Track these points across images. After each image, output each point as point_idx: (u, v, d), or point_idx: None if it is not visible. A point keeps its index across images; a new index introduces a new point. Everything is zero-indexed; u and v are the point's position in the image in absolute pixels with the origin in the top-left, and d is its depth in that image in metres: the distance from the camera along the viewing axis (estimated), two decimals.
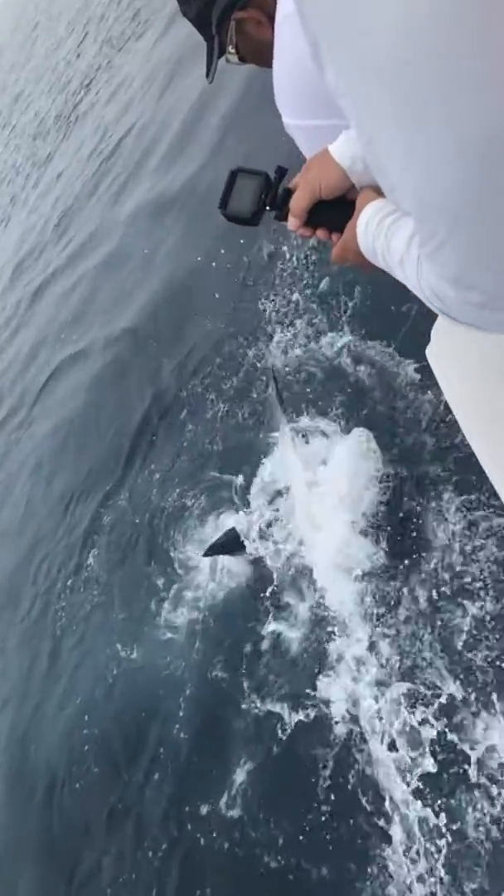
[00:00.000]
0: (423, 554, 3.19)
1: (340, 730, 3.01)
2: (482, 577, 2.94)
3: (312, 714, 3.14)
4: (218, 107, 8.06)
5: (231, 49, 1.92)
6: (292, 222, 1.64)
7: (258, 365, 4.96)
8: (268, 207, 1.65)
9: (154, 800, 3.60)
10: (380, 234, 1.36)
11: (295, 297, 4.90)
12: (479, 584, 2.95)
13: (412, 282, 1.25)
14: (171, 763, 3.65)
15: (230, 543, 3.84)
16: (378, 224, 1.37)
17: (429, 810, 2.61)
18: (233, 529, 3.86)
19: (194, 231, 6.91)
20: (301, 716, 3.18)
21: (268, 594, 3.69)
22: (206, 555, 3.95)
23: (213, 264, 6.04)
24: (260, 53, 1.87)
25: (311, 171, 1.59)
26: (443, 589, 3.05)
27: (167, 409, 5.64)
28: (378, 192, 1.42)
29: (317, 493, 3.58)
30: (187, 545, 4.44)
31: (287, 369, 4.48)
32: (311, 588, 3.57)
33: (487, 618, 2.86)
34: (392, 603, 3.18)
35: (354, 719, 2.99)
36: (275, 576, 3.73)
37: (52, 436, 7.27)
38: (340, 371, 4.26)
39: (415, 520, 3.28)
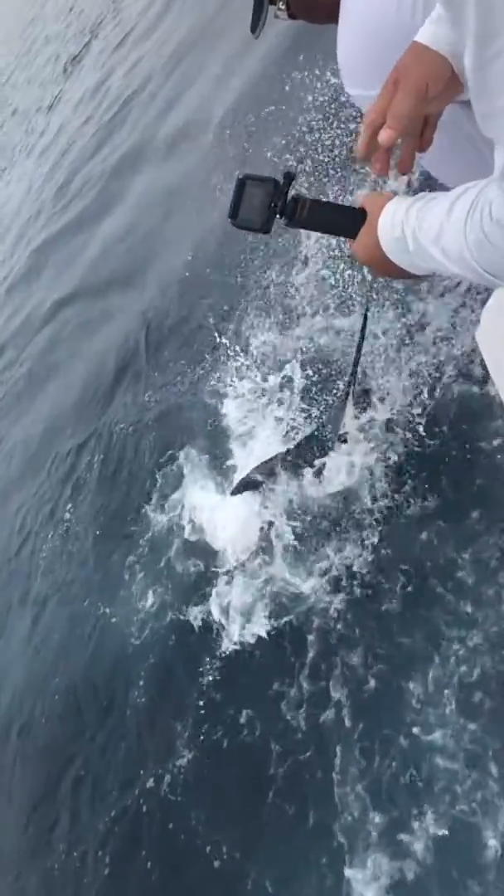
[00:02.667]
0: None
1: (301, 712, 2.98)
2: None
3: (275, 693, 3.10)
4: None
5: (281, 3, 1.86)
6: (388, 137, 1.42)
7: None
8: (278, 215, 1.63)
9: (110, 761, 3.66)
10: (409, 221, 1.36)
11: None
12: None
13: (455, 249, 1.25)
14: (132, 725, 3.68)
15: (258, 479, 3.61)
16: (406, 212, 1.38)
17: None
18: (268, 462, 3.56)
19: None
20: (262, 696, 3.15)
21: (244, 562, 3.65)
22: (234, 493, 3.71)
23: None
24: (311, 9, 1.82)
25: (410, 72, 1.42)
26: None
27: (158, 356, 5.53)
28: (382, 197, 1.42)
29: None
30: (167, 504, 4.40)
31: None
32: (283, 559, 3.50)
33: None
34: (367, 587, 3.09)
35: (316, 698, 2.96)
36: (251, 543, 3.67)
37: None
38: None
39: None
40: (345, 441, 3.19)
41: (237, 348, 4.47)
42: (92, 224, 8.62)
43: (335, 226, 1.64)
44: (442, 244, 1.29)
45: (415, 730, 2.55)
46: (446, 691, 2.54)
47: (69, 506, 5.41)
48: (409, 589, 2.86)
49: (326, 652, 3.01)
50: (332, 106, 4.83)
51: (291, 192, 1.62)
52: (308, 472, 3.39)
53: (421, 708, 2.57)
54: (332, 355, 3.83)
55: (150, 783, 3.35)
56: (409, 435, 3.17)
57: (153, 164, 7.99)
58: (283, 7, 1.86)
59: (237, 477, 3.81)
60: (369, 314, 2.95)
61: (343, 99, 4.69)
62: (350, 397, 3.09)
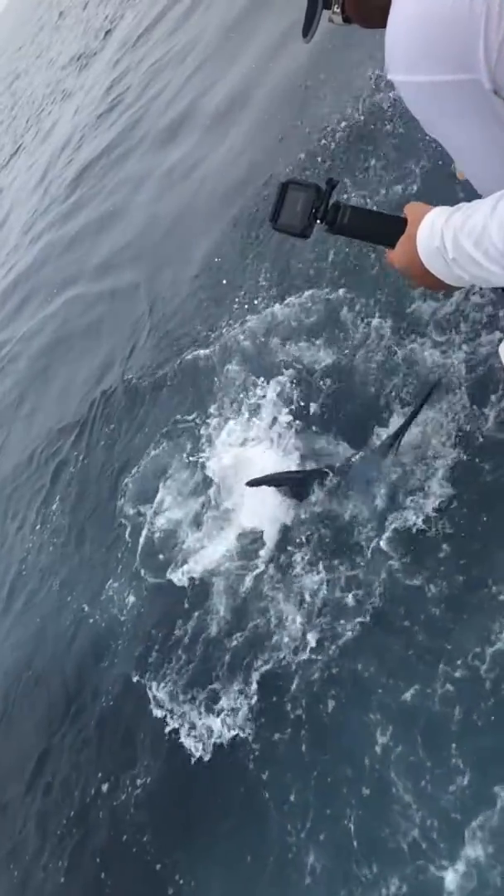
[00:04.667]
0: None
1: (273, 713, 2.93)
2: None
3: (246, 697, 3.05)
4: None
5: (336, 7, 1.82)
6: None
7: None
8: (318, 221, 1.63)
9: (77, 759, 3.63)
10: (449, 228, 1.38)
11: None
12: None
13: (499, 248, 1.30)
14: (98, 727, 3.65)
15: (281, 480, 3.55)
16: (447, 221, 1.39)
17: None
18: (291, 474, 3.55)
19: None
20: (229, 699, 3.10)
21: (227, 569, 3.59)
22: (249, 484, 3.58)
23: None
24: (366, 12, 1.78)
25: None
26: None
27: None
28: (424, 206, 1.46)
29: None
30: (152, 506, 4.33)
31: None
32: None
33: None
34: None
35: (277, 713, 2.90)
36: (234, 551, 3.62)
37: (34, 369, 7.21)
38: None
39: None
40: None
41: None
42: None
43: (375, 233, 1.62)
44: (485, 246, 1.32)
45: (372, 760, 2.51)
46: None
47: (55, 499, 5.38)
48: (369, 618, 2.84)
49: (293, 666, 2.95)
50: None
51: (333, 199, 1.62)
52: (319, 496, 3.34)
53: (378, 735, 2.53)
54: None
55: (112, 792, 3.32)
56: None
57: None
58: (337, 11, 1.82)
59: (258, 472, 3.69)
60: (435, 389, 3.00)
61: None
62: (394, 450, 3.05)
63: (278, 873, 2.51)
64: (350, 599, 2.92)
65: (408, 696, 2.53)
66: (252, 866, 2.60)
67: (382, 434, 3.30)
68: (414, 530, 2.88)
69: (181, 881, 2.77)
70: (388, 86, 4.73)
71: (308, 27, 1.87)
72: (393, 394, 3.45)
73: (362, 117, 5.02)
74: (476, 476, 2.85)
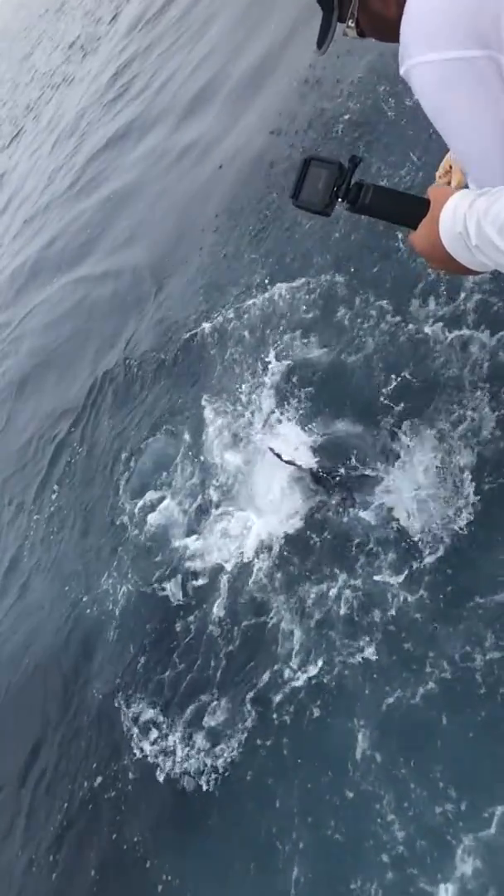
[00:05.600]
0: None
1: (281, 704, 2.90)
2: None
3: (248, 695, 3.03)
4: None
5: (351, 22, 1.82)
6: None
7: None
8: (340, 199, 1.59)
9: (70, 752, 3.64)
10: (472, 214, 1.36)
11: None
12: None
13: None
14: (92, 718, 3.66)
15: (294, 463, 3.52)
16: (470, 206, 1.37)
17: None
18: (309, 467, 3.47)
19: None
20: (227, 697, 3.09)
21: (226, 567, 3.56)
22: (272, 450, 3.58)
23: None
24: (382, 26, 1.79)
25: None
26: None
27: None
28: (448, 189, 1.44)
29: None
30: (153, 492, 4.33)
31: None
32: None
33: None
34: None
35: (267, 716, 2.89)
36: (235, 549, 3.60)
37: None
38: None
39: None
40: None
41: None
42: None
43: (397, 214, 1.57)
44: None
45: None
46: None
47: (54, 485, 5.37)
48: (361, 628, 2.82)
49: (284, 670, 2.95)
50: None
51: (356, 177, 1.58)
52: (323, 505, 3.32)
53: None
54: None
55: (103, 786, 3.33)
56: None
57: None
58: (352, 25, 1.83)
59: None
60: None
61: None
62: None
63: (262, 878, 2.52)
64: (345, 609, 2.91)
65: (394, 704, 2.53)
66: (236, 869, 2.60)
67: (386, 416, 3.23)
68: (415, 542, 2.85)
69: (168, 878, 2.78)
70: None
71: (322, 39, 1.87)
72: (395, 379, 3.39)
73: (382, 92, 4.88)
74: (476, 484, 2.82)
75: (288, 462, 3.41)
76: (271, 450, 3.53)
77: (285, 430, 3.73)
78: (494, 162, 1.61)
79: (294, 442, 3.60)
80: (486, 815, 2.18)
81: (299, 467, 3.41)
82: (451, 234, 1.42)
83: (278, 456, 3.45)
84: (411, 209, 1.53)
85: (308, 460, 3.45)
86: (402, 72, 1.68)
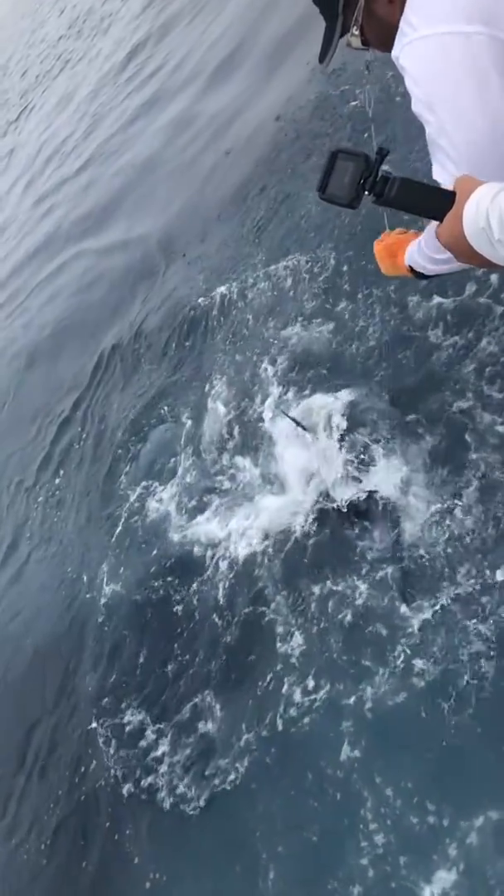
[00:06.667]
0: None
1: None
2: None
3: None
4: None
5: (355, 31, 1.79)
6: None
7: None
8: (367, 192, 1.57)
9: (65, 736, 3.63)
10: (495, 208, 1.34)
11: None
12: None
13: None
14: (90, 702, 3.62)
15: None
16: (493, 199, 1.35)
17: None
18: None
19: None
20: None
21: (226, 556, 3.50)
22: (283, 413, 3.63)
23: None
24: (387, 37, 1.74)
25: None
26: None
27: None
28: (474, 181, 1.42)
29: None
30: (156, 485, 4.24)
31: None
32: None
33: None
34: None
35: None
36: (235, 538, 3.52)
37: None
38: None
39: None
40: None
41: None
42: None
43: (423, 207, 1.56)
44: None
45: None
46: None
47: (57, 464, 5.33)
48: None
49: (276, 667, 2.91)
50: None
51: (383, 170, 1.56)
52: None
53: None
54: None
55: (99, 773, 3.30)
56: None
57: None
58: (356, 33, 1.80)
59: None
60: None
61: None
62: None
63: (246, 878, 2.52)
64: (341, 612, 2.85)
65: (379, 710, 2.50)
66: (222, 869, 2.60)
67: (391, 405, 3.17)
68: (419, 555, 2.77)
69: (156, 877, 2.77)
70: None
71: (325, 53, 1.84)
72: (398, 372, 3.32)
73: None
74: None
75: (301, 426, 3.39)
76: (284, 413, 3.52)
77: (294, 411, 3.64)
78: (481, 150, 1.59)
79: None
80: (465, 824, 2.16)
81: (311, 432, 3.36)
82: (474, 228, 1.39)
83: (295, 421, 3.42)
84: (437, 202, 1.51)
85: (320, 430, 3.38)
86: (394, 54, 1.67)
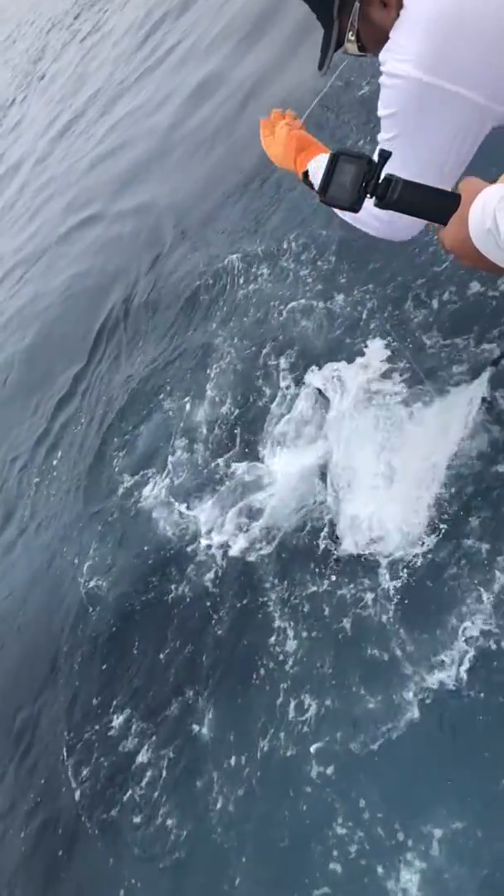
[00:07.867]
0: None
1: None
2: None
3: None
4: None
5: (351, 36, 1.81)
6: None
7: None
8: (369, 194, 1.59)
9: (51, 721, 3.62)
10: (501, 211, 1.32)
11: None
12: None
13: None
14: (79, 688, 3.60)
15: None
16: (500, 202, 1.33)
17: None
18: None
19: None
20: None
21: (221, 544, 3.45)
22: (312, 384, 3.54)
23: None
24: (383, 38, 1.77)
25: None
26: None
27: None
28: (479, 183, 1.43)
29: None
30: (152, 470, 4.18)
31: None
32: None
33: None
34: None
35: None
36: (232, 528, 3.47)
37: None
38: None
39: None
40: None
41: None
42: None
43: (426, 210, 1.57)
44: None
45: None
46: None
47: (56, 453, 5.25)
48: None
49: (269, 664, 2.88)
50: None
51: (385, 172, 1.57)
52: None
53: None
54: None
55: (85, 762, 3.29)
56: None
57: None
58: (352, 38, 1.81)
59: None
60: None
61: None
62: None
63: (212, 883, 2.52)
64: (338, 614, 2.79)
65: (361, 714, 2.47)
66: (183, 866, 2.63)
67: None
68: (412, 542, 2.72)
69: (130, 884, 2.75)
70: None
71: (324, 59, 1.87)
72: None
73: None
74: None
75: (324, 395, 3.35)
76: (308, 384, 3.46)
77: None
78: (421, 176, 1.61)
79: None
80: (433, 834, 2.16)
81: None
82: (480, 230, 1.37)
83: (319, 391, 3.38)
84: (441, 204, 1.52)
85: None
86: (381, 57, 1.71)
